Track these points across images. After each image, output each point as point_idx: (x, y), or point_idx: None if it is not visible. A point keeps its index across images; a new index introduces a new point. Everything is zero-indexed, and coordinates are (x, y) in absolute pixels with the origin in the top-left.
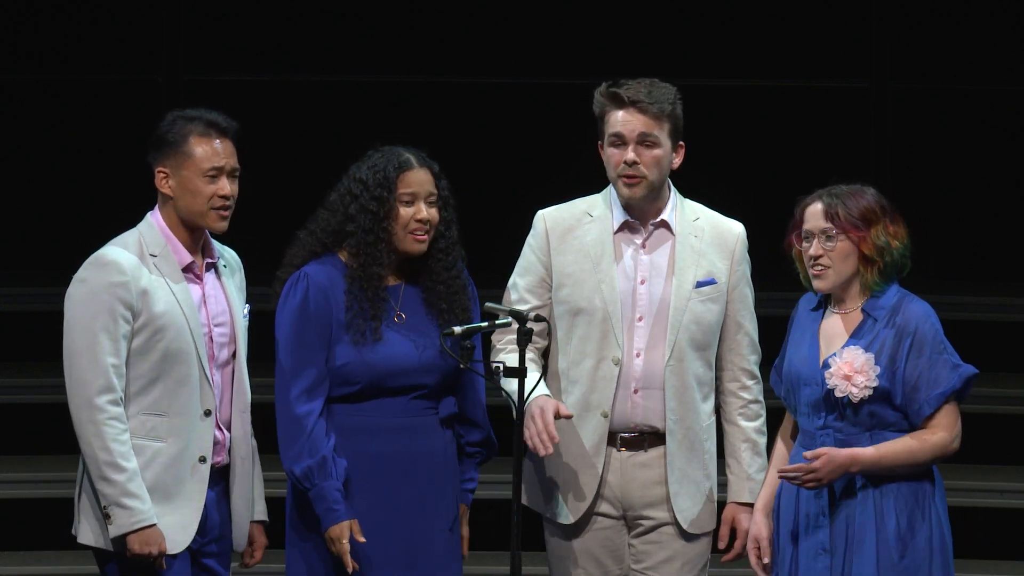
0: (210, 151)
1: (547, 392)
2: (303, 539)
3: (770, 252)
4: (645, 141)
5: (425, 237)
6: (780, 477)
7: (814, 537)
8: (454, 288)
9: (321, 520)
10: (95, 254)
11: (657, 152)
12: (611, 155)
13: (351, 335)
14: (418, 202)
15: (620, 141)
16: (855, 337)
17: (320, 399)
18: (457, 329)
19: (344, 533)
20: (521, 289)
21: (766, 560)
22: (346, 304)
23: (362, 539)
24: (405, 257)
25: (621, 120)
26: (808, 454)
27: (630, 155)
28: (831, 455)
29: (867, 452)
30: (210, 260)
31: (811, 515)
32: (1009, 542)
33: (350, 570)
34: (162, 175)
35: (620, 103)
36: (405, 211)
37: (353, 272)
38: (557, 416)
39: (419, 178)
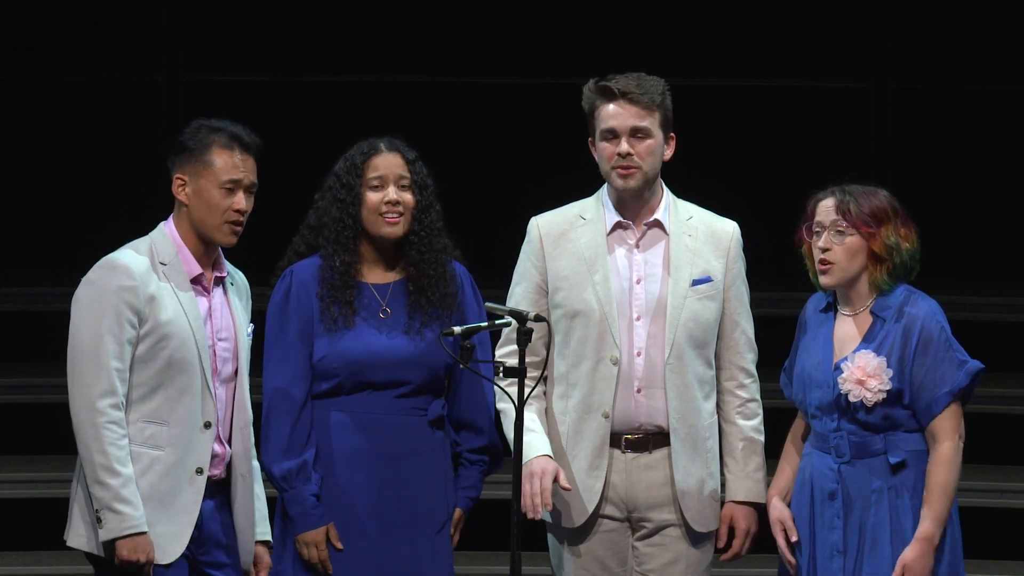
0: (230, 163)
1: (550, 454)
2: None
3: (771, 252)
4: (637, 133)
5: (398, 219)
6: None
7: (829, 539)
8: (429, 276)
9: (295, 523)
10: (106, 257)
11: (650, 142)
12: (603, 149)
13: (325, 324)
14: (387, 185)
15: (612, 134)
16: (867, 340)
17: (301, 393)
18: (457, 329)
19: (319, 539)
20: (517, 296)
21: (794, 538)
22: (319, 294)
23: (340, 546)
24: (382, 243)
25: (612, 113)
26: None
27: (623, 147)
28: (908, 560)
29: (927, 526)
30: (219, 275)
31: (825, 517)
32: (1009, 542)
33: (330, 572)
34: (180, 182)
35: (611, 96)
36: (374, 195)
37: (327, 263)
38: (555, 482)
39: (387, 161)
